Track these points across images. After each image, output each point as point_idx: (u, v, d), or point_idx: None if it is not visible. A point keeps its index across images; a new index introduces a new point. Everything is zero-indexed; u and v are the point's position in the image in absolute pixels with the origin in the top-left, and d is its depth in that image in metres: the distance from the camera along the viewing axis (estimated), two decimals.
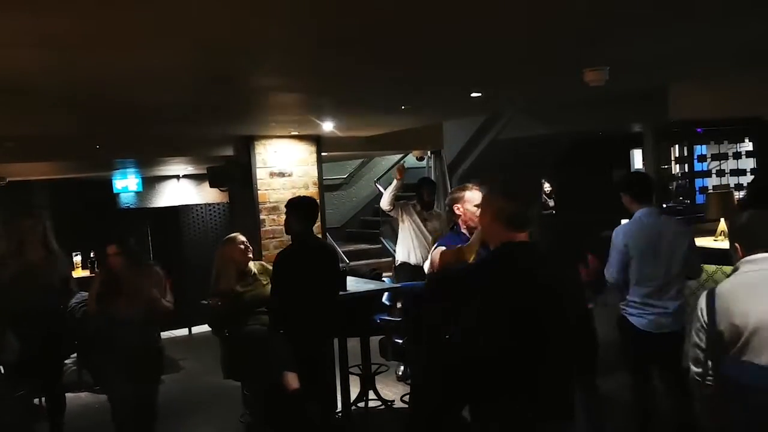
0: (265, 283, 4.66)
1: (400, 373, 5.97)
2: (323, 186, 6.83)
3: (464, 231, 3.72)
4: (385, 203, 6.46)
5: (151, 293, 4.31)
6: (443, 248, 3.69)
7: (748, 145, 9.36)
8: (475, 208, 3.62)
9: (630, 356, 4.10)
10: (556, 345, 2.18)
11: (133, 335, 4.24)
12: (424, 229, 6.28)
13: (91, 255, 7.52)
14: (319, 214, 6.68)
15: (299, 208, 4.34)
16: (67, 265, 5.04)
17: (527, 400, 2.13)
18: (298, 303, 4.11)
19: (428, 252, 5.94)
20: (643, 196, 3.98)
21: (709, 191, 8.53)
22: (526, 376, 2.12)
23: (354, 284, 5.27)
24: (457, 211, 3.73)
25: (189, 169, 9.77)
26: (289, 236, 4.47)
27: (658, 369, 4.08)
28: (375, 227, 10.60)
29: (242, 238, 4.90)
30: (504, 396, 2.12)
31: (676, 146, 9.39)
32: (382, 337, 5.33)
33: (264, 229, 6.36)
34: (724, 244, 4.98)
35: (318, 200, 6.65)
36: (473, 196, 3.65)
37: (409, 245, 6.29)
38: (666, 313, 3.88)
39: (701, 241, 4.67)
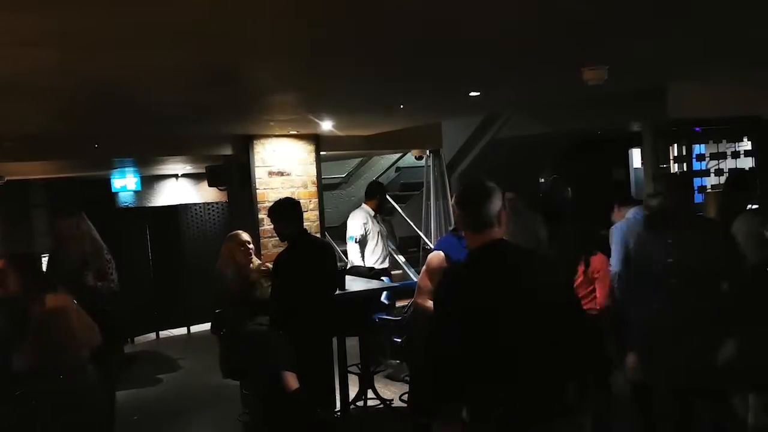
0: (266, 284, 4.64)
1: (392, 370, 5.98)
2: (322, 185, 6.83)
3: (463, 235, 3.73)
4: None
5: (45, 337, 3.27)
6: (440, 252, 3.70)
7: (746, 145, 9.34)
8: None
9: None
10: (541, 340, 2.19)
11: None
12: (377, 236, 6.44)
13: None
14: (318, 213, 6.71)
15: (279, 212, 4.30)
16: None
17: (518, 400, 2.16)
18: (298, 302, 4.10)
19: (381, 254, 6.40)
20: (628, 199, 4.55)
21: (708, 190, 8.54)
22: (512, 375, 2.16)
23: (353, 283, 5.27)
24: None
25: (188, 168, 9.75)
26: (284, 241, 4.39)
27: None
28: None
29: (244, 237, 4.86)
30: (495, 396, 2.17)
31: (675, 145, 9.37)
32: (381, 336, 5.33)
33: (263, 228, 6.34)
34: None
35: (317, 199, 6.66)
36: None
37: (369, 257, 6.44)
38: None
39: None
